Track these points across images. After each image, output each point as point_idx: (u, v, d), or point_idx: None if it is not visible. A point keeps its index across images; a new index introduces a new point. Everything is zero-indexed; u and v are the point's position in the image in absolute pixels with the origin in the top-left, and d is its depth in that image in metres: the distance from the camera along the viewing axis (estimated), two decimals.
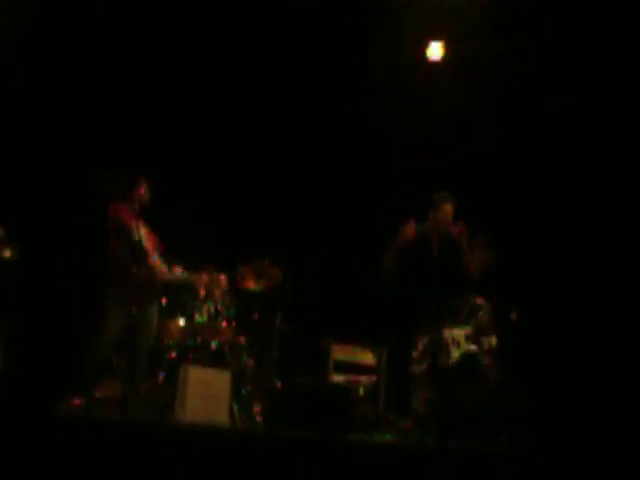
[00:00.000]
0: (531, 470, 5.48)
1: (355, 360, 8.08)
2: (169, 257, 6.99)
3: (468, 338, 6.79)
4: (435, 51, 8.65)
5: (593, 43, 8.41)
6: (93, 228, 7.04)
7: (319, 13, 8.68)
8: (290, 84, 9.21)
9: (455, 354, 6.75)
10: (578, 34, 8.42)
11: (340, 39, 8.96)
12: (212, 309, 7.29)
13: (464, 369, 6.69)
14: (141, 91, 8.74)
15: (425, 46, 8.82)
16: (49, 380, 6.99)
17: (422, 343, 6.73)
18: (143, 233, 6.75)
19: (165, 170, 8.32)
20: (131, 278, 6.52)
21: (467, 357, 6.74)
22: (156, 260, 6.82)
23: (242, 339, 7.33)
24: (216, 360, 6.94)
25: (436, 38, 8.76)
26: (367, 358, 8.08)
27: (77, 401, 6.26)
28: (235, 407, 6.63)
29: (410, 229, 6.93)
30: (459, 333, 6.79)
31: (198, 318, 7.22)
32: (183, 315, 7.22)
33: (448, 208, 7.09)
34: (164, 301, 7.10)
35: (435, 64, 8.85)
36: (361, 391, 7.70)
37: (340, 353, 8.09)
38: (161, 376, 6.84)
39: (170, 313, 7.20)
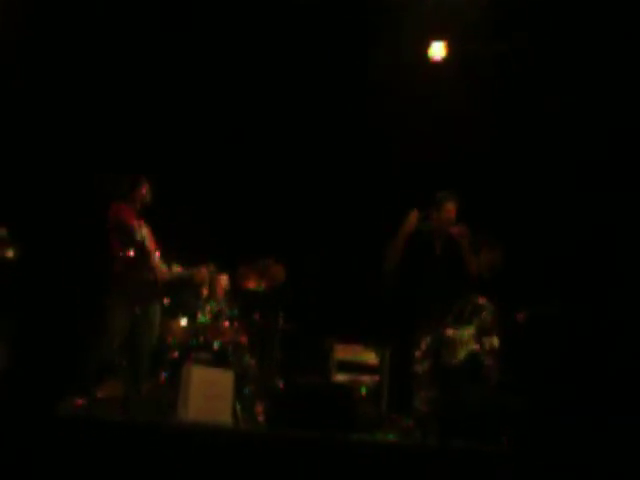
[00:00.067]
0: (532, 470, 5.48)
1: (357, 360, 8.08)
2: (169, 257, 6.99)
3: (473, 338, 6.80)
4: (437, 51, 8.64)
5: (593, 43, 8.42)
6: (94, 228, 7.04)
7: (319, 13, 8.67)
8: (290, 84, 9.20)
9: (461, 354, 6.76)
10: (578, 34, 8.42)
11: (340, 39, 8.96)
12: (214, 309, 7.30)
13: (466, 368, 6.69)
14: (141, 91, 8.75)
15: (425, 46, 8.81)
16: (51, 380, 6.98)
17: (425, 342, 6.74)
18: (145, 233, 6.76)
19: (165, 170, 8.33)
20: (134, 278, 6.53)
21: (471, 356, 6.75)
22: (156, 260, 6.83)
23: (244, 339, 7.34)
24: (218, 360, 6.94)
25: (436, 38, 8.75)
26: (370, 358, 8.07)
27: (79, 401, 6.26)
28: (238, 407, 6.63)
29: (414, 219, 6.94)
30: (465, 332, 6.80)
31: (201, 318, 7.23)
32: (185, 315, 7.23)
33: (451, 207, 7.10)
34: (166, 301, 7.11)
35: (435, 64, 8.84)
36: (364, 391, 7.70)
37: (342, 353, 8.09)
38: (163, 376, 6.85)
39: (173, 313, 7.21)
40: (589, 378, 8.01)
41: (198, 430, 5.39)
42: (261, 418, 6.89)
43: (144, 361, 6.69)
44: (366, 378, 7.89)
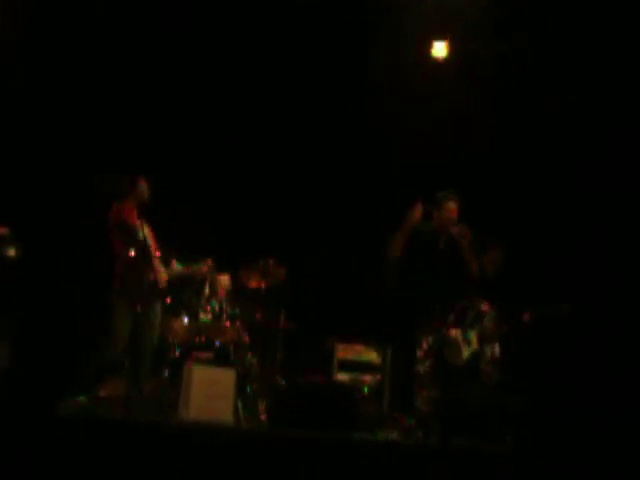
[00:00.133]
0: (532, 470, 5.48)
1: (359, 359, 8.09)
2: (169, 256, 6.99)
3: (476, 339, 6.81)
4: (439, 50, 8.65)
5: (593, 43, 8.43)
6: (95, 228, 7.04)
7: (319, 13, 8.67)
8: (290, 84, 9.20)
9: (465, 354, 6.76)
10: (578, 34, 8.43)
11: (340, 39, 8.96)
12: (216, 308, 7.29)
13: (468, 368, 6.70)
14: (141, 91, 8.74)
15: (425, 46, 8.83)
16: (51, 380, 6.98)
17: (426, 342, 6.74)
18: (146, 232, 6.76)
19: (165, 170, 8.32)
20: (136, 278, 6.52)
21: (475, 357, 6.76)
22: (157, 260, 6.83)
23: (246, 338, 7.33)
24: (220, 359, 6.94)
25: (436, 38, 8.76)
26: (371, 357, 8.08)
27: (80, 400, 6.26)
28: (239, 406, 6.62)
29: (418, 212, 6.93)
30: (470, 333, 6.80)
31: (202, 317, 7.23)
32: (187, 314, 7.22)
33: (452, 206, 7.09)
34: (168, 300, 7.11)
35: (434, 64, 8.85)
36: (365, 390, 7.71)
37: (344, 352, 8.10)
38: (165, 375, 6.84)
39: (174, 312, 7.20)
40: (589, 378, 8.01)
41: (200, 429, 5.39)
42: (263, 417, 6.89)
43: (146, 361, 6.68)
44: (367, 377, 7.90)
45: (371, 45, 8.91)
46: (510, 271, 7.64)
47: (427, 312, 6.86)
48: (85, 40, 8.44)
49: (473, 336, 6.86)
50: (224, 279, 7.52)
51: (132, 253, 6.48)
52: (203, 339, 7.09)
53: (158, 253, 6.80)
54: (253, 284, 7.67)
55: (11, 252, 6.67)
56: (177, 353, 6.99)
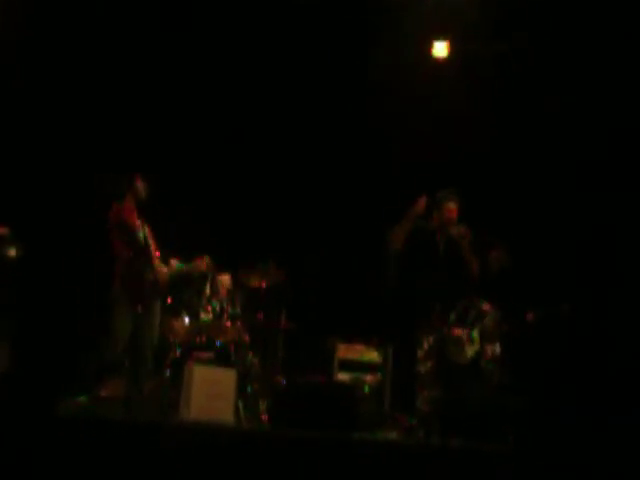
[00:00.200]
0: (533, 470, 5.48)
1: (360, 359, 8.08)
2: (169, 256, 6.99)
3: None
4: (440, 50, 8.65)
5: (593, 43, 8.43)
6: (95, 228, 7.03)
7: (319, 13, 8.67)
8: (290, 84, 9.20)
9: (469, 352, 6.76)
10: (578, 34, 8.43)
11: (340, 39, 8.96)
12: (217, 308, 7.29)
13: (469, 367, 6.70)
14: (142, 91, 8.74)
15: (425, 46, 8.83)
16: (52, 379, 6.97)
17: (427, 342, 6.74)
18: (146, 232, 6.76)
19: (165, 170, 8.32)
20: (137, 278, 6.52)
21: (478, 355, 6.76)
22: (157, 259, 6.83)
23: (247, 338, 7.33)
24: (221, 359, 6.93)
25: (436, 38, 8.77)
26: (372, 357, 8.07)
27: (81, 400, 6.26)
28: (240, 406, 6.62)
29: (421, 205, 6.93)
30: (473, 332, 6.80)
31: (203, 317, 7.21)
32: (188, 314, 7.21)
33: (451, 207, 7.09)
34: (169, 300, 7.11)
35: (435, 64, 8.85)
36: (366, 390, 7.70)
37: (345, 352, 8.09)
38: (166, 375, 6.83)
39: (175, 312, 7.19)
40: (589, 378, 8.00)
41: (200, 429, 5.39)
42: (263, 417, 6.88)
43: (146, 361, 6.68)
44: (368, 377, 7.89)
45: (371, 45, 8.91)
46: (511, 271, 7.64)
47: (428, 312, 6.86)
48: (85, 40, 8.44)
49: (476, 335, 6.86)
50: (225, 279, 7.51)
51: (132, 253, 6.49)
52: (204, 339, 7.08)
53: (158, 253, 6.79)
54: (253, 284, 7.67)
55: (11, 252, 6.67)
56: (178, 353, 6.98)
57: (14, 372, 6.75)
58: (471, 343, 6.78)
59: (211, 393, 6.17)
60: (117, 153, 8.32)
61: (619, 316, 8.27)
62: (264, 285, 7.61)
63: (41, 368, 7.26)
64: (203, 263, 7.07)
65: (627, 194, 8.56)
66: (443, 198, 7.13)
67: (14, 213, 7.08)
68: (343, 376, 7.95)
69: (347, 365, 8.02)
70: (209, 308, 7.26)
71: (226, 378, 6.35)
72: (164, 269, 6.79)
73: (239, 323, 7.35)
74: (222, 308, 7.31)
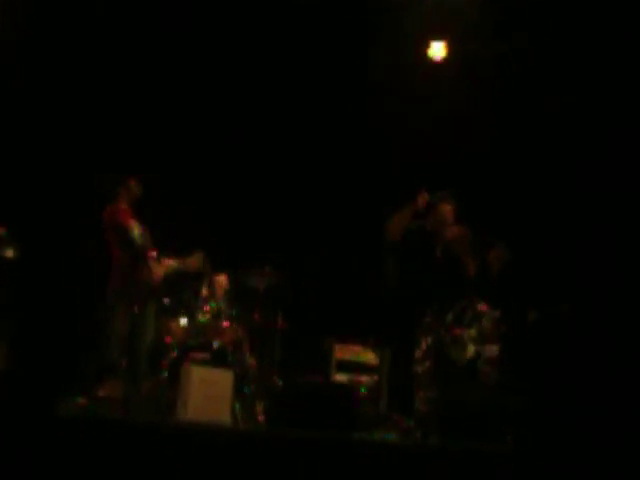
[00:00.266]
0: (532, 470, 5.47)
1: (357, 359, 8.08)
2: (162, 255, 6.99)
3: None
4: (438, 51, 8.65)
5: (593, 43, 8.42)
6: (94, 228, 7.04)
7: (319, 13, 8.67)
8: (290, 84, 9.21)
9: (470, 351, 6.76)
10: (578, 34, 8.42)
11: (340, 39, 8.96)
12: (214, 309, 7.28)
13: (467, 368, 6.69)
14: (142, 91, 8.75)
15: (425, 46, 8.83)
16: (50, 380, 6.98)
17: (425, 342, 6.74)
18: (141, 232, 6.78)
19: (165, 170, 8.34)
20: (133, 278, 6.54)
21: (477, 355, 6.76)
22: (153, 259, 6.84)
23: (244, 339, 7.32)
24: (218, 360, 6.93)
25: (436, 38, 8.77)
26: (369, 357, 8.08)
27: (79, 400, 6.26)
28: (237, 407, 6.61)
29: (423, 199, 6.94)
30: (473, 331, 6.80)
31: (200, 318, 7.21)
32: (185, 315, 7.20)
33: (446, 209, 7.09)
34: (166, 301, 7.11)
35: (435, 64, 8.86)
36: (363, 391, 7.69)
37: (342, 353, 8.10)
38: (163, 376, 6.83)
39: (172, 313, 7.19)
40: (589, 378, 7.99)
41: (198, 430, 5.38)
42: (261, 418, 6.88)
43: (143, 361, 6.70)
44: (365, 378, 7.89)
45: (371, 45, 8.91)
46: (511, 270, 7.63)
47: (425, 312, 6.86)
48: (85, 40, 8.45)
49: (474, 336, 6.85)
50: (222, 279, 7.51)
51: (127, 254, 6.50)
52: (201, 340, 7.08)
53: (153, 253, 6.79)
54: (250, 285, 7.68)
55: (9, 253, 6.68)
56: (175, 354, 6.96)
57: (12, 372, 6.76)
58: (470, 343, 6.78)
59: (208, 394, 6.17)
60: (117, 153, 8.34)
61: (619, 316, 8.25)
62: (261, 286, 7.61)
63: (39, 368, 7.27)
64: (198, 259, 7.08)
65: (627, 194, 8.54)
66: (438, 200, 7.12)
67: (12, 213, 7.09)
68: (340, 377, 7.95)
69: (344, 366, 8.02)
70: (206, 309, 7.25)
71: (223, 379, 6.35)
72: (159, 269, 6.79)
73: (236, 324, 7.35)
74: (219, 309, 7.30)
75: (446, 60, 8.80)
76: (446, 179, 7.86)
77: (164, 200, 7.78)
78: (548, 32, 8.55)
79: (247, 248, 8.53)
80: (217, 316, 7.30)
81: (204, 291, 7.30)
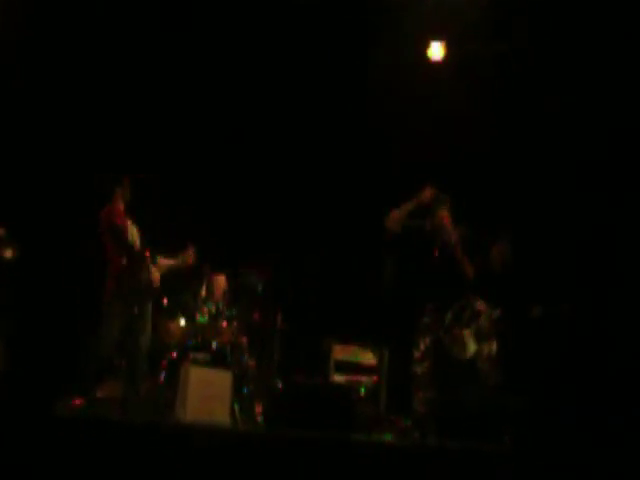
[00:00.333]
0: (532, 470, 5.47)
1: (356, 360, 8.08)
2: (154, 254, 7.00)
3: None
4: (437, 51, 8.65)
5: (593, 43, 8.41)
6: (94, 228, 7.05)
7: (319, 13, 8.67)
8: (290, 84, 9.20)
9: (472, 349, 6.76)
10: (578, 34, 8.41)
11: (340, 39, 8.96)
12: (213, 309, 7.30)
13: (465, 367, 6.69)
14: (142, 91, 8.75)
15: (425, 46, 8.83)
16: (49, 380, 6.99)
17: (423, 343, 6.74)
18: (135, 233, 6.80)
19: (165, 170, 8.34)
20: (131, 279, 6.54)
21: (476, 355, 6.77)
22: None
23: (243, 339, 7.34)
24: (217, 360, 6.94)
25: (436, 38, 8.76)
26: (368, 358, 8.07)
27: (77, 401, 6.26)
28: (236, 407, 6.63)
29: (428, 193, 6.95)
30: (473, 329, 6.81)
31: (199, 318, 7.23)
32: (184, 315, 7.23)
33: (443, 214, 7.10)
34: (165, 302, 7.12)
35: (435, 64, 8.85)
36: (362, 391, 7.70)
37: (341, 353, 8.09)
38: (162, 376, 6.84)
39: (171, 313, 7.21)
40: (589, 378, 7.99)
41: (196, 430, 5.38)
42: (259, 418, 6.89)
43: (141, 361, 6.70)
44: (364, 378, 7.88)
45: (371, 45, 8.90)
46: (513, 267, 7.64)
47: (424, 313, 6.87)
48: (84, 40, 8.45)
49: (472, 334, 6.86)
50: (221, 280, 7.53)
51: (123, 256, 6.51)
52: (200, 340, 7.09)
53: (147, 253, 6.79)
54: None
55: (8, 253, 6.69)
56: (174, 354, 6.99)
57: (10, 372, 6.77)
58: (470, 342, 6.78)
59: (207, 394, 6.19)
60: (116, 153, 8.34)
61: (619, 316, 8.25)
62: (260, 287, 7.62)
63: (38, 368, 7.28)
64: (189, 255, 7.09)
65: (627, 194, 8.53)
66: (435, 205, 7.13)
67: (11, 214, 7.09)
68: (339, 377, 7.95)
69: (343, 366, 8.02)
70: (205, 309, 7.28)
71: (222, 379, 6.37)
72: (155, 269, 6.80)
73: (235, 324, 7.36)
74: (218, 309, 7.32)
75: (445, 60, 8.78)
76: (446, 179, 7.85)
77: (164, 200, 7.78)
78: (548, 32, 8.53)
79: (247, 248, 8.52)
80: (216, 316, 7.32)
81: (203, 292, 7.32)
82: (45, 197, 8.28)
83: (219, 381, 6.34)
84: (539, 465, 5.50)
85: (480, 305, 6.94)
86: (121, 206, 6.79)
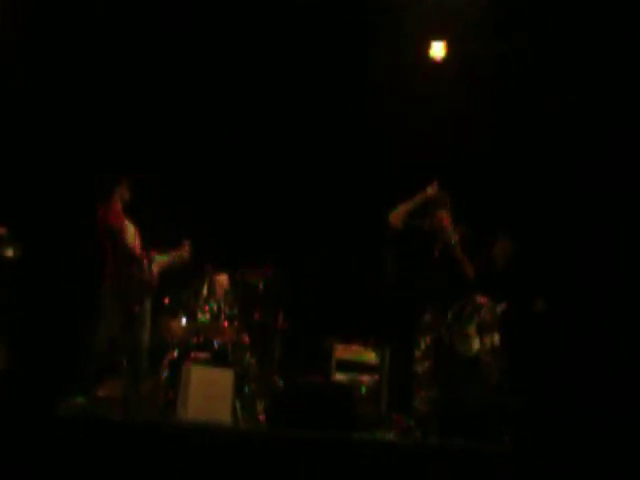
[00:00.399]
0: (532, 470, 5.48)
1: (357, 359, 8.07)
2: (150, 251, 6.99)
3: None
4: (438, 50, 8.66)
5: (593, 43, 8.42)
6: (94, 228, 7.05)
7: (319, 13, 8.67)
8: (290, 84, 9.20)
9: (475, 345, 6.76)
10: (578, 34, 8.42)
11: (340, 39, 8.96)
12: (214, 308, 7.29)
13: (466, 367, 6.70)
14: (142, 91, 8.75)
15: (425, 46, 8.83)
16: (50, 380, 6.98)
17: (424, 342, 6.75)
18: (132, 232, 6.80)
19: (165, 169, 8.34)
20: (128, 279, 6.55)
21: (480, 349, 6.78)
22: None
23: (245, 338, 7.33)
24: (218, 359, 6.94)
25: (436, 38, 8.77)
26: (369, 357, 8.07)
27: (79, 401, 6.27)
28: (237, 406, 6.62)
29: (433, 190, 6.96)
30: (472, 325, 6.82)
31: (200, 317, 7.22)
32: (185, 314, 7.22)
33: (443, 214, 7.11)
34: (166, 300, 7.12)
35: (435, 64, 8.86)
36: (363, 390, 7.70)
37: (342, 352, 8.09)
38: (163, 375, 6.84)
39: (172, 312, 7.20)
40: (589, 378, 8.00)
41: (198, 429, 5.39)
42: (261, 418, 6.89)
43: (143, 360, 6.71)
44: (366, 378, 7.88)
45: (371, 45, 8.91)
46: (517, 263, 7.65)
47: (425, 312, 6.88)
48: (84, 40, 8.45)
49: (475, 328, 6.87)
50: (223, 279, 7.52)
51: (120, 255, 6.52)
52: (201, 339, 7.09)
53: (145, 251, 6.79)
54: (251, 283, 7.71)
55: (9, 252, 6.69)
56: (175, 353, 6.98)
57: (12, 372, 6.76)
58: (474, 336, 6.79)
59: (208, 393, 6.19)
60: (117, 153, 8.33)
61: (619, 316, 8.26)
62: (261, 286, 7.63)
63: (39, 368, 7.28)
64: (185, 250, 7.09)
65: (627, 194, 8.54)
66: (435, 205, 7.14)
67: (12, 213, 7.09)
68: (340, 376, 7.95)
69: (344, 365, 8.01)
70: (206, 308, 7.26)
71: (223, 378, 6.37)
72: (153, 267, 6.80)
73: (236, 323, 7.36)
74: (219, 308, 7.31)
75: (446, 60, 8.79)
76: (446, 179, 7.86)
77: (164, 200, 7.78)
78: (548, 32, 8.54)
79: (247, 248, 8.52)
80: (217, 316, 7.31)
81: (204, 291, 7.31)
82: (46, 197, 8.27)
83: (220, 380, 6.34)
84: (539, 465, 5.50)
85: (481, 299, 6.95)
86: (118, 206, 6.80)
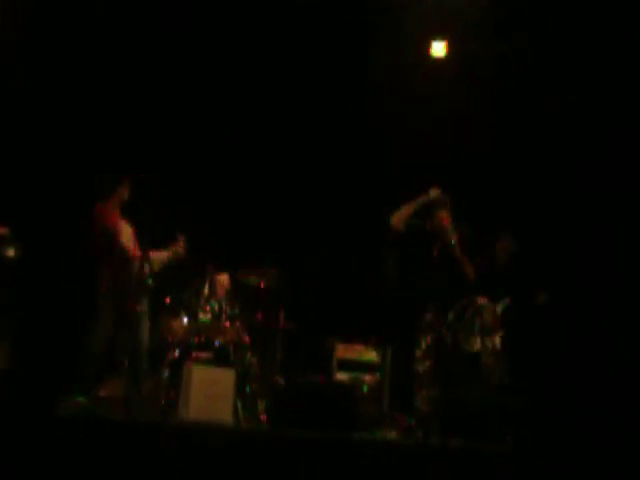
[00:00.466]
0: (532, 470, 5.48)
1: (359, 359, 8.08)
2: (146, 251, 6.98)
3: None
4: (439, 50, 8.66)
5: (593, 43, 8.43)
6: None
7: (319, 13, 8.68)
8: (290, 84, 9.20)
9: (477, 344, 6.77)
10: (578, 34, 8.43)
11: (340, 39, 8.96)
12: (216, 308, 7.28)
13: (468, 367, 6.71)
14: (142, 91, 8.75)
15: (425, 46, 8.84)
16: (51, 380, 6.98)
17: (425, 342, 6.75)
18: (129, 233, 6.80)
19: (165, 169, 8.33)
20: (124, 279, 6.56)
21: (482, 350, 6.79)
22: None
23: (246, 338, 7.33)
24: (219, 359, 6.93)
25: (436, 38, 8.77)
26: (371, 357, 8.07)
27: (80, 401, 6.27)
28: (239, 406, 6.62)
29: (434, 193, 6.97)
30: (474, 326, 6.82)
31: (202, 317, 7.20)
32: (187, 314, 7.21)
33: (443, 215, 7.12)
34: (167, 300, 7.12)
35: (435, 64, 8.86)
36: (365, 389, 7.70)
37: (344, 352, 8.09)
38: (164, 375, 6.83)
39: (174, 312, 7.20)
40: (590, 378, 8.00)
41: (199, 429, 5.39)
42: (262, 417, 6.88)
43: (143, 360, 6.71)
44: (367, 377, 7.88)
45: (371, 45, 8.91)
46: (518, 263, 7.66)
47: (426, 312, 6.88)
48: (84, 40, 8.45)
49: (477, 329, 6.88)
50: (223, 279, 7.52)
51: (115, 256, 6.53)
52: (203, 339, 7.07)
53: (140, 252, 6.78)
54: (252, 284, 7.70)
55: (11, 252, 6.69)
56: (176, 353, 6.97)
57: (12, 372, 6.76)
58: (482, 334, 6.80)
59: (210, 393, 6.19)
60: (117, 153, 8.33)
61: (620, 316, 8.26)
62: (262, 285, 7.63)
63: (39, 368, 7.28)
64: (180, 245, 7.09)
65: (627, 194, 8.55)
66: (435, 206, 7.15)
67: (14, 213, 7.09)
68: (342, 376, 7.95)
69: (346, 365, 8.01)
70: (208, 308, 7.25)
71: (225, 378, 6.37)
72: (148, 266, 6.80)
73: (238, 323, 7.35)
74: (221, 308, 7.30)
75: (446, 60, 8.80)
76: (446, 179, 7.86)
77: (164, 200, 7.76)
78: (548, 32, 8.55)
79: (248, 248, 8.52)
80: (218, 315, 7.31)
81: (206, 290, 7.30)
82: (46, 197, 8.27)
83: (222, 380, 6.34)
84: (540, 465, 5.50)
85: (481, 300, 6.96)
86: (115, 206, 6.79)
